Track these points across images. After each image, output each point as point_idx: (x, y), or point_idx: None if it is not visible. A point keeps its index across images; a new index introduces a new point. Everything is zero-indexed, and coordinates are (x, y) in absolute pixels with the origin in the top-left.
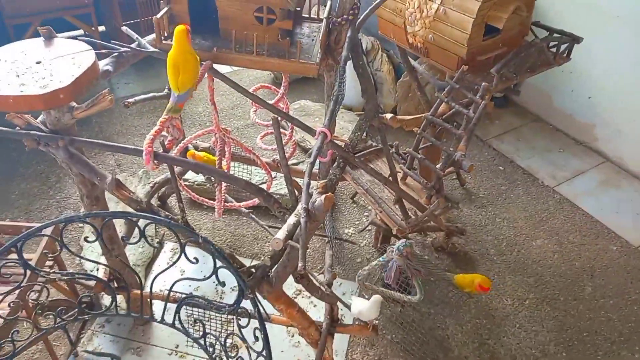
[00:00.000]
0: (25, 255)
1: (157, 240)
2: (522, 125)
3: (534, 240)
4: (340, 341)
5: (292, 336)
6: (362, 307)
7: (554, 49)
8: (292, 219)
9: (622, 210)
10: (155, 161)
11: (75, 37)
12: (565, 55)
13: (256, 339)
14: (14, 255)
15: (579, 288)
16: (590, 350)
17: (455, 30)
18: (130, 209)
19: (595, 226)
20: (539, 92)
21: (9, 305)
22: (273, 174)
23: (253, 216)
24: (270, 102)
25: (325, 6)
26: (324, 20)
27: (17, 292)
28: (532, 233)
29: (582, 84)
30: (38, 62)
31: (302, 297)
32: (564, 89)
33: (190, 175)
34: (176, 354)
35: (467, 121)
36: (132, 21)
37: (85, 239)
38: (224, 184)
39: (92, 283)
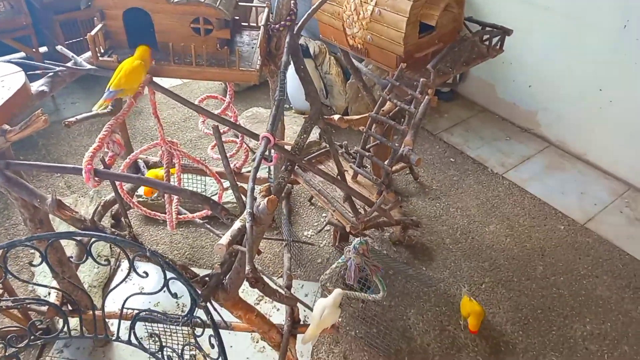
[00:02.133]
0: None
1: (114, 258)
2: (470, 117)
3: (486, 227)
4: None
5: (257, 342)
6: (326, 309)
7: (487, 42)
8: (237, 224)
9: (568, 191)
10: (96, 178)
11: (14, 60)
12: (498, 47)
13: (212, 346)
14: None
15: (531, 268)
16: (545, 326)
17: (392, 30)
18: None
19: (544, 208)
20: (483, 84)
21: None
22: (225, 184)
23: (209, 226)
24: (217, 111)
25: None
26: (262, 27)
27: None
28: (485, 219)
29: (522, 74)
30: None
31: (265, 302)
32: (506, 80)
33: (142, 191)
34: None
35: (410, 116)
36: (74, 40)
37: (30, 263)
38: (175, 198)
39: (44, 308)
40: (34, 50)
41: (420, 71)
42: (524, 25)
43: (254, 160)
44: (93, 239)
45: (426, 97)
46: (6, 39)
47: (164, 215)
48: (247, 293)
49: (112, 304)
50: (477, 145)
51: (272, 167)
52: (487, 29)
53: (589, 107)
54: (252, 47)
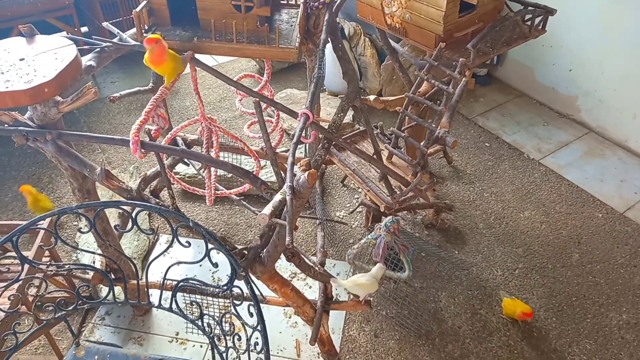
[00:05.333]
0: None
1: (152, 233)
2: (507, 102)
3: (521, 212)
4: (336, 319)
5: (289, 317)
6: (362, 279)
7: (529, 22)
8: (277, 197)
9: (607, 179)
10: (143, 150)
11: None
12: (540, 27)
13: (251, 315)
14: (11, 254)
15: (567, 255)
16: (580, 313)
17: (431, 9)
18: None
19: (581, 195)
20: (521, 67)
21: (8, 298)
22: (262, 162)
23: (245, 203)
24: (255, 89)
25: None
26: (301, 5)
27: (16, 286)
28: (520, 205)
29: (562, 57)
30: (21, 59)
31: (297, 279)
32: (545, 63)
33: (180, 168)
34: (176, 341)
35: (448, 97)
36: (113, 20)
37: (79, 230)
38: (213, 173)
39: (89, 276)
40: (75, 29)
41: (460, 51)
42: (566, 5)
43: (290, 139)
44: (139, 209)
45: (463, 79)
46: (49, 18)
47: (202, 190)
48: (280, 270)
49: (150, 275)
50: (514, 130)
51: (307, 146)
52: (530, 8)
53: (631, 93)
54: (291, 25)
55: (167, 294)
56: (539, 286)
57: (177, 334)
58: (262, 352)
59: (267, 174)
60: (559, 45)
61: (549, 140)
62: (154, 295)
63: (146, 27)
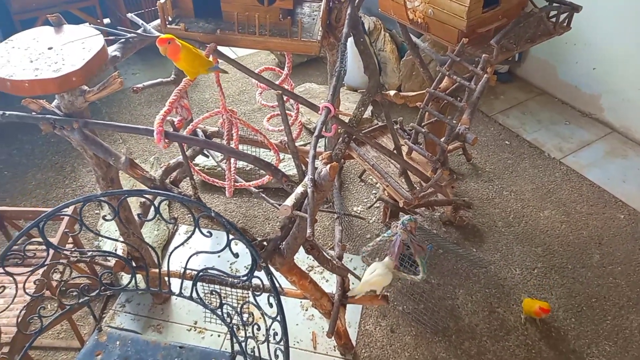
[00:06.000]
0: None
1: (174, 222)
2: (528, 99)
3: (541, 212)
4: (352, 313)
5: (306, 310)
6: (377, 269)
7: (553, 19)
8: (299, 189)
9: (630, 179)
10: (166, 140)
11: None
12: (565, 24)
13: (270, 305)
14: (35, 239)
15: (587, 256)
16: (599, 315)
17: (454, 4)
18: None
19: (603, 196)
20: (543, 65)
21: (34, 283)
22: (280, 155)
23: (263, 195)
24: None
25: None
26: None
27: (41, 271)
28: (540, 204)
29: (586, 55)
30: (50, 48)
31: (314, 273)
32: (568, 61)
33: (200, 160)
34: (195, 330)
35: (470, 93)
36: (135, 12)
37: (103, 218)
38: (233, 165)
39: (111, 263)
40: (97, 20)
41: (482, 47)
42: (591, 2)
43: (308, 133)
44: (162, 198)
45: (485, 75)
46: (72, 9)
47: (221, 182)
48: (297, 263)
49: (166, 264)
50: (534, 128)
51: (326, 140)
52: (555, 4)
53: None
54: (313, 19)
55: (187, 283)
56: (558, 286)
57: (196, 322)
58: (281, 342)
59: (285, 167)
60: (583, 42)
61: (571, 139)
62: (174, 284)
63: (170, 19)
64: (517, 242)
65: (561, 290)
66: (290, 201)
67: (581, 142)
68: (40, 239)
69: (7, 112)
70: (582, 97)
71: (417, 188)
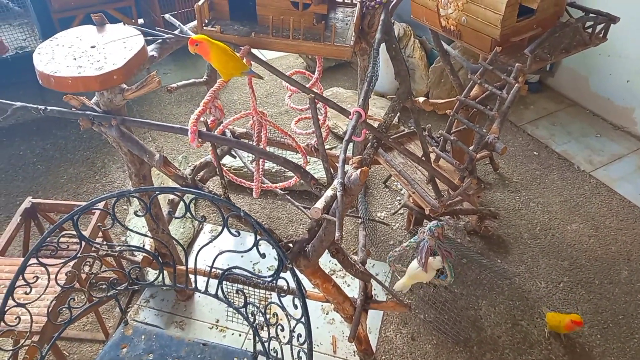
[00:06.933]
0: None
1: (203, 220)
2: (558, 110)
3: (568, 225)
4: (373, 319)
5: (327, 313)
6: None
7: (589, 30)
8: (329, 192)
9: None
10: (200, 139)
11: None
12: (601, 35)
13: (295, 307)
14: (66, 232)
15: (615, 272)
16: (626, 332)
17: (489, 12)
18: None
19: (633, 211)
20: (575, 76)
21: (65, 274)
22: (307, 158)
23: (289, 197)
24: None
25: None
26: (358, 4)
27: (72, 263)
28: (567, 217)
29: (620, 67)
30: (93, 47)
31: (336, 277)
32: (601, 73)
33: (227, 160)
34: (216, 328)
35: (501, 103)
36: (169, 13)
37: (135, 213)
38: (261, 166)
39: (139, 258)
40: (133, 20)
41: (515, 56)
42: (626, 14)
43: (336, 137)
44: (193, 196)
45: (516, 84)
46: (109, 9)
47: (248, 182)
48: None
49: (191, 261)
50: (564, 140)
51: (353, 145)
52: (592, 15)
53: None
54: (346, 24)
55: (212, 282)
56: (584, 301)
57: (218, 321)
58: (305, 344)
59: (312, 170)
60: (617, 54)
61: (602, 152)
62: (198, 281)
63: (206, 21)
64: (543, 254)
65: (587, 305)
66: (320, 204)
67: (612, 156)
68: (72, 232)
69: (49, 108)
70: (614, 109)
71: (445, 196)
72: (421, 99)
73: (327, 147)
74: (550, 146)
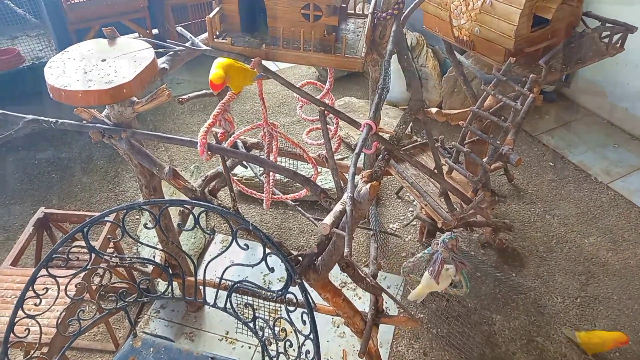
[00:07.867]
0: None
1: (213, 233)
2: (574, 120)
3: (586, 238)
4: (385, 333)
5: (338, 327)
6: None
7: (606, 39)
8: (338, 207)
9: None
10: (209, 152)
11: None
12: (618, 45)
13: (304, 323)
14: (77, 243)
15: (635, 287)
16: None
17: (502, 22)
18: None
19: None
20: (592, 86)
21: (75, 286)
22: (318, 169)
23: (299, 208)
24: (316, 97)
25: (370, 3)
26: (369, 15)
27: (82, 274)
28: (584, 230)
29: (637, 77)
30: (103, 60)
31: (347, 289)
32: (618, 82)
33: (238, 170)
34: (226, 340)
35: (515, 114)
36: (183, 24)
37: (145, 226)
38: (272, 177)
39: (149, 269)
40: (147, 31)
41: (530, 67)
42: None
43: (347, 148)
44: (203, 209)
45: (530, 95)
46: (124, 20)
47: (259, 193)
48: (330, 280)
49: (201, 273)
50: (581, 150)
51: (364, 156)
52: (608, 25)
53: None
54: (357, 35)
55: (221, 294)
56: (602, 317)
57: (227, 333)
58: None
59: (322, 181)
60: (635, 64)
61: (619, 163)
62: (208, 293)
63: (217, 33)
64: (559, 268)
65: (605, 322)
66: (329, 219)
67: (631, 167)
68: (82, 243)
69: (60, 120)
70: (632, 119)
71: (457, 209)
72: (434, 110)
73: (339, 157)
74: (567, 157)
